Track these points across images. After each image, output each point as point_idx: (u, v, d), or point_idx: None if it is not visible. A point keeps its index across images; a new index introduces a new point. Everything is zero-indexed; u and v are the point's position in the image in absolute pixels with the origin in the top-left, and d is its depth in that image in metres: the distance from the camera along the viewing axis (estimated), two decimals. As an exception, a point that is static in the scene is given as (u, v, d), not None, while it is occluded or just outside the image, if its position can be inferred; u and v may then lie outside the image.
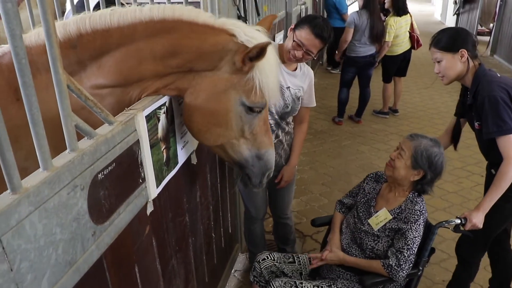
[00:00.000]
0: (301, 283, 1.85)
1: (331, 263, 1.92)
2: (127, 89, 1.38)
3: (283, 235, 2.60)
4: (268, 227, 3.04)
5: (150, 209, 1.46)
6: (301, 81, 2.14)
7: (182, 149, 1.67)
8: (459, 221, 1.94)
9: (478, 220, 1.90)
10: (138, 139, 1.31)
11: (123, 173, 1.25)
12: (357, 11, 4.82)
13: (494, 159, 1.98)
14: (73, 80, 1.04)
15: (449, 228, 1.99)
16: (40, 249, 0.91)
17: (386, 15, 4.96)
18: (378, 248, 1.85)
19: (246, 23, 2.37)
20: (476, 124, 1.98)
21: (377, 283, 1.79)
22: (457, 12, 11.24)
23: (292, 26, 2.02)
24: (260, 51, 1.26)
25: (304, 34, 1.93)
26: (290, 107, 2.13)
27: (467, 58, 1.94)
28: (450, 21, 12.17)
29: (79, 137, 1.11)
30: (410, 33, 4.79)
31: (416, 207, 1.82)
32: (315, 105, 2.31)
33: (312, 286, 1.84)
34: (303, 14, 5.07)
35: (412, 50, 4.96)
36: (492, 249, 2.35)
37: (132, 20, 1.29)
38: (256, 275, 2.05)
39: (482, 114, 1.90)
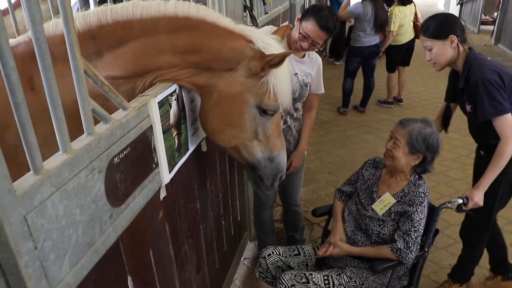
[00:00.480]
0: (311, 274, 1.86)
1: (337, 256, 1.92)
2: (143, 77, 1.40)
3: (292, 222, 2.62)
4: (276, 216, 3.06)
5: (163, 194, 1.48)
6: (309, 68, 2.16)
7: (192, 135, 1.68)
8: (461, 201, 1.98)
9: (478, 198, 1.95)
10: (151, 125, 1.33)
11: (138, 157, 1.27)
12: (361, 2, 4.80)
13: (483, 141, 2.07)
14: (90, 65, 1.05)
15: (452, 208, 2.01)
16: (61, 229, 0.93)
17: (390, 5, 4.94)
18: (384, 232, 1.86)
19: (252, 12, 2.37)
20: (468, 107, 2.01)
21: (387, 268, 1.81)
22: (460, 2, 11.16)
23: (299, 16, 2.03)
24: (281, 60, 1.33)
25: (310, 26, 1.95)
26: (297, 93, 2.15)
27: (457, 43, 1.97)
28: (454, 11, 12.09)
29: (95, 122, 1.13)
30: (414, 22, 4.77)
31: (420, 189, 1.84)
32: (323, 91, 2.32)
33: (322, 276, 1.86)
34: (307, 5, 5.05)
35: (416, 40, 4.94)
36: None
37: (155, 13, 1.31)
38: (262, 271, 2.05)
39: (476, 97, 1.93)
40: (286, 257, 2.01)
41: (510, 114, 1.91)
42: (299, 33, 1.98)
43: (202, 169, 1.89)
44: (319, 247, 2.05)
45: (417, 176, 1.91)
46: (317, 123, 5.11)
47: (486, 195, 1.97)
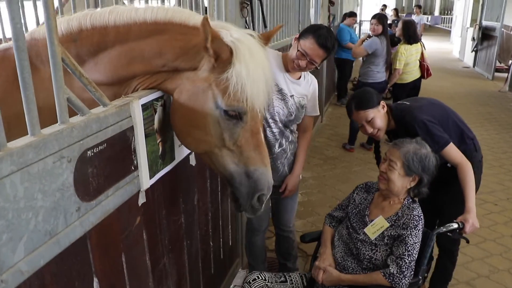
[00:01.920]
0: None
1: (328, 284, 1.83)
2: (122, 86, 1.42)
3: (285, 250, 2.54)
4: (271, 245, 2.97)
5: (142, 200, 1.45)
6: (304, 90, 2.16)
7: (179, 146, 1.67)
8: (456, 225, 1.92)
9: (474, 219, 1.94)
10: (133, 126, 1.33)
11: (115, 156, 1.26)
12: (377, 36, 4.89)
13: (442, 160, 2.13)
14: (69, 55, 1.07)
15: (447, 233, 1.92)
16: (18, 210, 0.92)
17: (396, 43, 5.01)
18: (376, 257, 1.78)
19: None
20: None
21: (379, 295, 1.71)
22: (475, 49, 11.26)
23: (297, 36, 2.06)
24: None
25: (308, 44, 1.96)
26: (294, 115, 2.14)
27: (385, 106, 2.17)
28: (468, 58, 12.20)
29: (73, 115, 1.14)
30: (420, 62, 4.81)
31: (414, 212, 1.78)
32: (318, 113, 2.31)
33: None
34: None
35: (422, 79, 4.96)
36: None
37: (127, 20, 1.34)
38: None
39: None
40: (272, 283, 1.92)
41: (451, 142, 2.07)
42: (297, 50, 1.99)
43: (189, 184, 1.86)
44: (307, 275, 1.97)
45: (411, 199, 1.85)
46: (322, 158, 5.07)
47: (461, 202, 2.03)
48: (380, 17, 4.92)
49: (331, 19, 6.53)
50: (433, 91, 8.34)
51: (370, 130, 2.12)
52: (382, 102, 2.14)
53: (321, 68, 6.19)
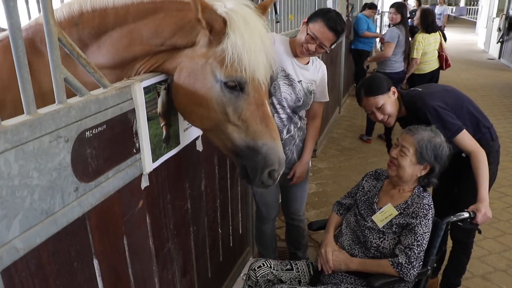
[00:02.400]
0: None
1: (337, 266, 1.80)
2: (125, 70, 1.41)
3: (295, 239, 2.52)
4: (282, 235, 2.95)
5: (145, 183, 1.45)
6: (313, 75, 2.11)
7: (185, 131, 1.67)
8: (467, 214, 1.85)
9: (486, 208, 1.88)
10: (134, 108, 1.33)
11: (115, 138, 1.26)
12: (396, 26, 4.77)
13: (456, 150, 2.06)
14: (65, 34, 1.07)
15: (458, 222, 1.86)
16: (13, 188, 0.92)
17: (414, 33, 4.86)
18: (383, 246, 1.74)
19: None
20: None
21: (386, 284, 1.67)
22: (500, 40, 10.89)
23: (305, 20, 2.02)
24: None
25: (317, 27, 1.92)
26: (302, 101, 2.11)
27: (396, 93, 2.11)
28: (494, 50, 11.82)
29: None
30: (439, 52, 4.66)
31: (424, 201, 1.72)
32: (327, 99, 2.26)
33: None
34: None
35: (441, 70, 4.81)
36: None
37: (125, 1, 1.33)
38: (251, 284, 1.94)
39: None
40: (277, 270, 1.90)
41: (465, 129, 2.00)
42: (307, 34, 1.95)
43: (196, 169, 1.85)
44: (314, 264, 1.94)
45: (421, 188, 1.79)
46: (339, 149, 5.01)
47: (476, 193, 1.96)
48: (398, 6, 4.79)
49: (349, 9, 6.39)
50: (456, 83, 8.11)
51: (380, 117, 2.07)
52: (393, 88, 2.08)
53: (339, 59, 6.09)
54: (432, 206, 1.73)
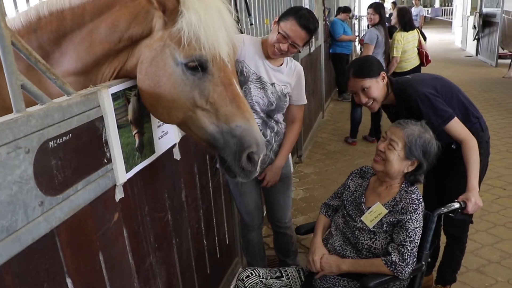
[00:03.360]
0: None
1: (328, 270, 1.73)
2: (89, 76, 1.35)
3: (283, 246, 2.45)
4: (272, 244, 2.88)
5: (119, 195, 1.38)
6: (287, 77, 2.03)
7: (160, 139, 1.60)
8: (457, 205, 1.81)
9: (477, 197, 1.84)
10: (102, 116, 1.26)
11: (83, 147, 1.19)
12: (375, 27, 4.79)
13: (447, 140, 2.05)
14: (19, 38, 1.01)
15: (449, 213, 1.82)
16: (-34, 204, 0.85)
17: (392, 33, 4.89)
18: (375, 246, 1.68)
19: (238, 24, 2.35)
20: None
21: (381, 283, 1.61)
22: (476, 37, 11.10)
23: (276, 19, 1.97)
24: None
25: (289, 26, 1.86)
26: (275, 105, 2.02)
27: (386, 78, 2.05)
28: (471, 47, 12.03)
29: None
30: (418, 49, 4.69)
31: (412, 196, 1.68)
32: (305, 102, 2.17)
33: None
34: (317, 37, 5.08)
35: (422, 67, 4.84)
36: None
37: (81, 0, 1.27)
38: None
39: (422, 115, 1.95)
40: (267, 279, 1.82)
41: (456, 117, 1.96)
42: (278, 33, 1.89)
43: (175, 179, 1.79)
44: (304, 269, 1.87)
45: (408, 183, 1.75)
46: (324, 153, 4.98)
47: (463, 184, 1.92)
48: (376, 7, 4.83)
49: (326, 13, 6.44)
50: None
51: (364, 100, 2.00)
52: (383, 73, 2.01)
53: (319, 63, 6.10)
54: (421, 200, 1.69)
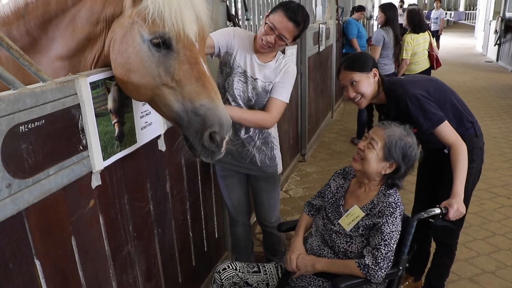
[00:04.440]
0: None
1: (303, 269, 1.73)
2: (72, 62, 1.39)
3: (270, 245, 2.44)
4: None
5: (96, 182, 1.41)
6: (273, 74, 1.98)
7: (142, 129, 1.62)
8: (438, 210, 1.78)
9: (460, 204, 1.81)
10: (79, 104, 1.29)
11: (57, 134, 1.22)
12: (382, 28, 4.74)
13: (439, 145, 2.02)
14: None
15: (429, 219, 1.79)
16: None
17: (403, 34, 4.82)
18: (351, 250, 1.67)
19: (236, 20, 2.35)
20: (411, 129, 1.93)
21: (352, 285, 1.60)
22: (497, 42, 10.85)
23: (267, 14, 1.95)
24: None
25: (276, 17, 1.84)
26: (254, 101, 2.00)
27: (378, 76, 2.02)
28: (492, 52, 11.77)
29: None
30: (429, 52, 4.61)
31: (390, 199, 1.66)
32: (284, 100, 2.02)
33: None
34: (322, 35, 5.04)
35: (432, 70, 4.75)
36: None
37: None
38: (216, 287, 1.88)
39: (412, 117, 1.93)
40: (243, 273, 1.83)
41: (446, 121, 1.93)
42: (265, 24, 1.87)
43: (158, 170, 1.81)
44: (283, 266, 1.87)
45: (387, 186, 1.74)
46: (329, 153, 4.96)
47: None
48: (383, 7, 4.77)
49: (339, 12, 6.38)
50: (452, 86, 8.01)
51: (352, 94, 1.98)
52: (375, 70, 1.99)
53: (330, 62, 6.05)
54: (399, 204, 1.66)
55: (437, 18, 12.42)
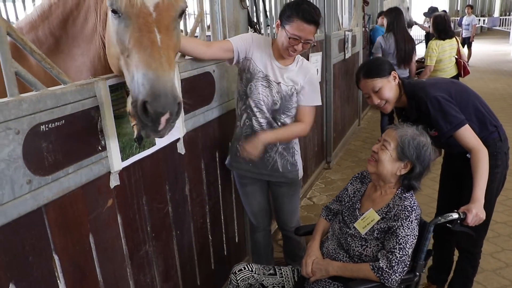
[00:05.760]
0: None
1: (318, 273, 1.71)
2: (90, 54, 1.45)
3: (290, 250, 2.43)
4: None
5: (114, 182, 1.45)
6: (296, 76, 1.99)
7: (161, 132, 1.66)
8: (456, 216, 1.73)
9: (479, 210, 1.75)
10: (98, 106, 1.34)
11: (76, 134, 1.27)
12: (382, 35, 4.74)
13: (461, 149, 1.96)
14: (15, 28, 1.10)
15: (446, 224, 1.73)
16: (-48, 175, 0.94)
17: (429, 40, 4.75)
18: (366, 254, 1.64)
19: (257, 26, 2.38)
20: (431, 132, 1.94)
21: (366, 291, 1.57)
22: (533, 49, 10.43)
23: (278, 22, 1.95)
24: None
25: (296, 26, 1.83)
26: (278, 104, 2.00)
27: (398, 79, 2.01)
28: (527, 60, 11.33)
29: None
30: (456, 59, 4.49)
31: (405, 203, 1.62)
32: (319, 103, 2.09)
33: None
34: (348, 42, 5.01)
35: (460, 78, 4.61)
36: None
37: None
38: None
39: (431, 119, 1.90)
40: (259, 274, 1.83)
41: (467, 124, 1.88)
42: (289, 38, 1.87)
43: (178, 173, 1.84)
44: (299, 269, 1.86)
45: (404, 189, 1.70)
46: (355, 161, 4.89)
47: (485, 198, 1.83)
48: (385, 12, 4.78)
49: (366, 19, 6.33)
50: (484, 93, 7.78)
51: (377, 101, 1.97)
52: (394, 73, 1.98)
53: (356, 69, 6.00)
54: (415, 207, 1.63)
55: (468, 25, 12.09)
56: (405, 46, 4.55)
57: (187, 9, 1.33)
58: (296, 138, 2.14)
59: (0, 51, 1.06)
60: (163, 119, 1.14)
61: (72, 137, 1.26)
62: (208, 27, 2.24)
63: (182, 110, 1.21)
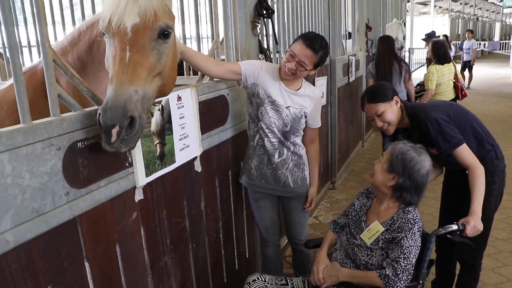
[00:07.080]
0: None
1: (330, 283, 1.81)
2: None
3: (300, 263, 2.51)
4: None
5: (138, 196, 1.56)
6: (304, 101, 2.15)
7: (181, 150, 1.78)
8: (456, 227, 1.84)
9: (477, 222, 1.86)
10: (127, 125, 1.46)
11: (107, 151, 1.39)
12: (371, 63, 5.01)
13: (460, 166, 2.08)
14: (59, 56, 1.24)
15: (446, 235, 1.84)
16: (5, 185, 1.05)
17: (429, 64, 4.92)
18: (372, 263, 1.74)
19: (267, 53, 2.54)
20: (432, 151, 2.07)
21: (374, 297, 1.66)
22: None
23: (290, 45, 2.13)
24: None
25: (296, 46, 2.02)
26: (289, 126, 2.15)
27: (400, 102, 2.15)
28: (528, 83, 11.49)
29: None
30: (454, 82, 4.65)
31: (409, 216, 1.73)
32: (320, 125, 2.30)
33: None
34: (352, 66, 5.19)
35: (458, 100, 4.76)
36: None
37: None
38: None
39: (432, 139, 2.03)
40: (272, 285, 1.92)
41: (465, 144, 2.01)
42: (286, 52, 2.06)
43: (194, 189, 1.95)
44: (310, 280, 1.95)
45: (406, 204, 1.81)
46: (359, 181, 4.98)
47: (483, 213, 1.95)
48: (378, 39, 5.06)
49: (369, 44, 6.53)
50: (485, 115, 7.94)
51: (380, 124, 2.12)
52: (396, 98, 2.12)
53: (360, 92, 6.15)
54: (417, 220, 1.73)
55: (469, 49, 12.36)
56: (392, 76, 4.72)
57: (169, 29, 1.35)
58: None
59: (46, 75, 1.19)
60: (113, 131, 1.19)
61: (104, 154, 1.37)
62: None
63: (138, 125, 1.25)
